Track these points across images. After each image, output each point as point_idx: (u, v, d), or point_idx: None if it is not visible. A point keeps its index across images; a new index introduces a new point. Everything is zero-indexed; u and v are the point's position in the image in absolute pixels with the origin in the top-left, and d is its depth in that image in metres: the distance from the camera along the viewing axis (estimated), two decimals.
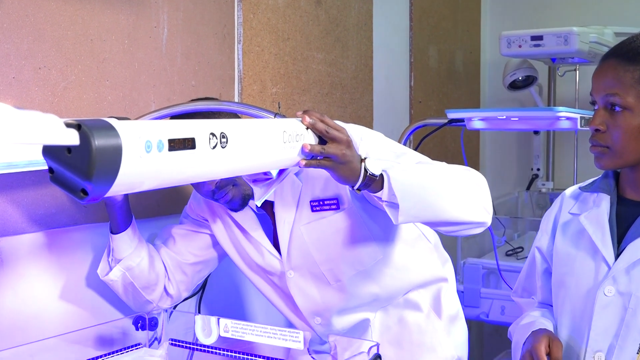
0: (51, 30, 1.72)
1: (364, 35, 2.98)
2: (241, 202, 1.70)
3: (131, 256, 1.73)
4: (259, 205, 1.67)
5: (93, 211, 1.87)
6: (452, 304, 1.92)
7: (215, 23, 2.21)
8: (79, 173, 0.97)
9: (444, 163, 1.64)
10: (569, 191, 1.61)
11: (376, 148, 1.64)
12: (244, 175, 1.61)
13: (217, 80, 2.23)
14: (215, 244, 1.89)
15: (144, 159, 1.03)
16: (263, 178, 1.66)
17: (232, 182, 1.66)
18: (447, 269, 1.95)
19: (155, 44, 2.00)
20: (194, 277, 1.89)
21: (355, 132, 1.65)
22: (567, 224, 1.55)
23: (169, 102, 2.03)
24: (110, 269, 1.74)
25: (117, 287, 1.77)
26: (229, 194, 1.67)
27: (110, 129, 0.98)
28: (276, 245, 1.78)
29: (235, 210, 1.74)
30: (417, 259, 1.85)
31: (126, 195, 1.69)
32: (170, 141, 1.08)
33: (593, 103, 1.46)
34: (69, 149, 0.96)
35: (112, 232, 1.72)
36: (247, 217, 1.78)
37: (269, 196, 1.66)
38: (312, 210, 1.72)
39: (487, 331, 3.83)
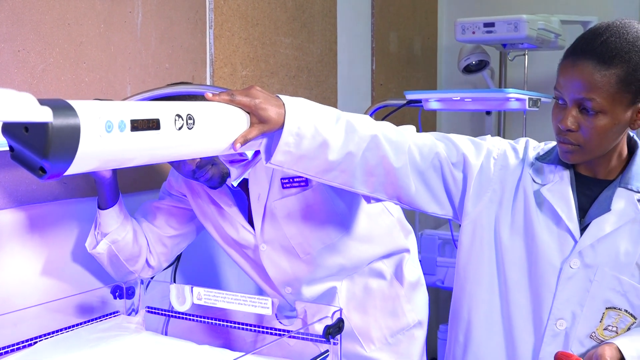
0: (29, 15, 1.68)
1: (329, 21, 2.96)
2: (220, 180, 1.69)
3: (117, 230, 1.72)
4: (235, 185, 1.66)
5: (73, 187, 1.84)
6: (413, 272, 1.93)
7: (187, 9, 2.18)
8: (36, 151, 0.94)
9: None
10: (531, 154, 1.50)
11: None
12: (212, 155, 1.60)
13: (190, 63, 2.20)
14: (193, 218, 1.88)
15: (105, 139, 1.01)
16: (239, 159, 1.65)
17: (211, 161, 1.65)
18: (410, 241, 1.96)
19: (130, 29, 1.96)
20: (173, 248, 1.88)
21: None
22: (528, 188, 1.46)
23: (144, 84, 2.01)
24: (97, 242, 1.72)
25: (102, 259, 1.75)
26: (209, 172, 1.66)
27: (69, 108, 0.96)
28: (250, 220, 1.78)
29: (214, 188, 1.73)
30: (381, 232, 1.86)
31: (114, 173, 1.67)
32: (133, 121, 1.06)
33: (558, 98, 1.38)
34: (26, 127, 0.94)
35: (99, 208, 1.71)
36: (223, 194, 1.77)
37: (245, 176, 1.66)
38: (283, 187, 1.72)
39: (442, 297, 3.87)
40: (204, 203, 1.82)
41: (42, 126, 0.92)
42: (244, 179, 1.75)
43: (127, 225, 1.74)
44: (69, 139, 0.95)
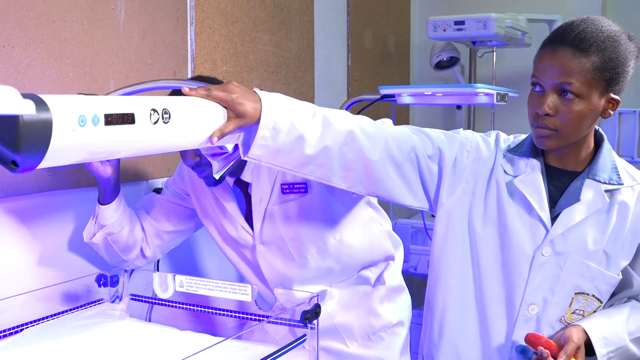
0: (14, 11, 1.65)
1: (306, 19, 2.95)
2: (215, 180, 1.69)
3: (114, 224, 1.71)
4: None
5: (59, 179, 1.82)
6: (395, 278, 1.94)
7: (169, 6, 2.15)
8: (8, 145, 0.92)
9: None
10: (502, 146, 1.51)
11: None
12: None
13: (172, 59, 2.17)
14: (193, 216, 1.88)
15: (78, 133, 0.99)
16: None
17: (208, 163, 1.64)
18: (398, 252, 1.96)
19: (113, 25, 1.94)
20: (169, 242, 1.87)
21: None
22: (500, 179, 1.47)
23: (127, 79, 1.98)
24: (94, 233, 1.72)
25: (98, 248, 1.75)
26: (206, 172, 1.66)
27: (41, 103, 0.94)
28: (249, 221, 1.78)
29: (211, 186, 1.73)
30: (371, 240, 1.86)
31: (117, 171, 1.66)
32: (107, 116, 1.04)
33: (535, 85, 1.39)
34: None
35: (99, 202, 1.70)
36: (224, 190, 1.77)
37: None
38: (282, 193, 1.72)
39: (415, 283, 3.89)
40: (207, 202, 1.81)
41: (14, 120, 0.90)
42: (246, 182, 1.74)
43: (124, 220, 1.73)
44: (41, 133, 0.93)
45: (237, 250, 1.84)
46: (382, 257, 1.89)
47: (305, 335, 1.42)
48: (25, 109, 0.87)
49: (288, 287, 1.80)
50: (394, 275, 1.93)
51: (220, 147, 1.64)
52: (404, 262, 3.02)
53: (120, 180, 1.72)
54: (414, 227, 3.13)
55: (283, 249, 1.77)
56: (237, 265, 1.87)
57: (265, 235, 1.76)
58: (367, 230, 1.84)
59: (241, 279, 1.92)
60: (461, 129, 1.56)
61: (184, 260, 2.23)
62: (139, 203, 1.88)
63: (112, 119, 1.04)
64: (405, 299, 1.97)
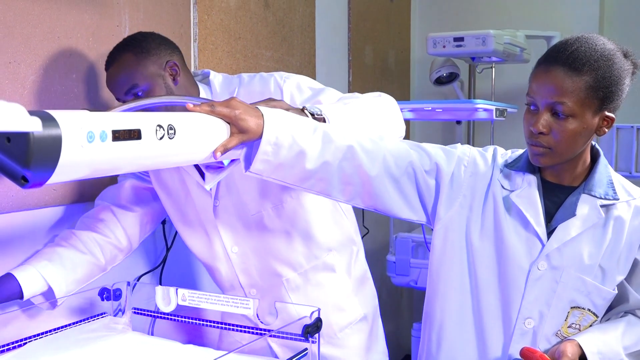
0: (20, 28, 1.66)
1: (308, 35, 2.96)
2: None
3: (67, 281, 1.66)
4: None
5: (62, 193, 1.82)
6: (360, 267, 1.91)
7: (172, 23, 2.16)
8: (18, 161, 0.93)
9: (357, 94, 1.68)
10: (499, 161, 1.51)
11: (296, 86, 1.66)
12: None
13: None
14: (156, 198, 1.84)
15: (86, 149, 1.00)
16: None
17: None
18: (357, 235, 1.94)
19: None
20: (142, 229, 1.84)
21: (279, 76, 1.68)
22: (497, 194, 1.47)
23: None
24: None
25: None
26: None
27: (50, 119, 0.95)
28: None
29: None
30: (330, 215, 1.83)
31: None
32: (115, 132, 1.04)
33: (530, 104, 1.39)
34: (8, 137, 0.92)
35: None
36: None
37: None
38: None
39: (415, 296, 3.88)
40: (165, 172, 1.78)
41: (24, 136, 0.91)
42: None
43: (85, 273, 1.69)
44: (51, 149, 0.94)
45: (196, 217, 1.78)
46: (345, 239, 1.85)
47: (306, 349, 1.41)
48: (32, 126, 0.88)
49: (243, 247, 1.76)
50: (359, 265, 1.90)
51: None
52: (404, 275, 3.03)
53: None
54: (414, 241, 3.12)
55: (239, 202, 1.73)
56: (191, 240, 1.82)
57: (221, 189, 1.73)
58: (324, 202, 1.80)
59: (211, 267, 1.87)
60: (459, 144, 1.56)
61: (185, 274, 2.23)
62: (99, 197, 1.82)
63: (119, 135, 1.05)
64: (370, 290, 1.94)
